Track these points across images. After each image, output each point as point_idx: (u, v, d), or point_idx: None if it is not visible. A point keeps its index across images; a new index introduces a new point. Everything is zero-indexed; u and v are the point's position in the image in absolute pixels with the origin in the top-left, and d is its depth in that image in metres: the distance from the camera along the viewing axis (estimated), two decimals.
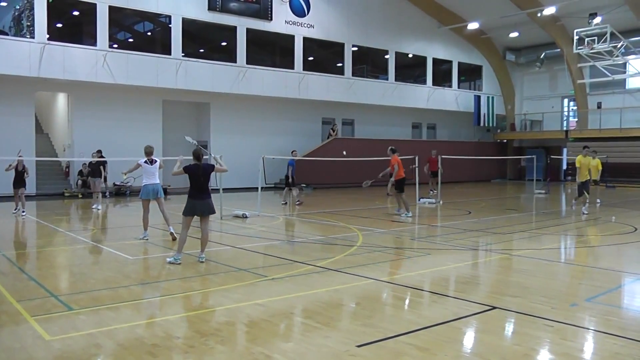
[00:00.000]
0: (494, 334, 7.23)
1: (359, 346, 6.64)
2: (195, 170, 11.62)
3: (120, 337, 7.05)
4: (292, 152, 26.04)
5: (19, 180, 20.52)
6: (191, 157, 11.73)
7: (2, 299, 8.79)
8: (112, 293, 9.32)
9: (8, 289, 9.37)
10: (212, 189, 15.27)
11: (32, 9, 27.25)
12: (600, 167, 23.21)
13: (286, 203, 24.98)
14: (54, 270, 11.66)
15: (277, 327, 7.57)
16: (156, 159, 15.10)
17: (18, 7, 28.99)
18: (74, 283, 10.33)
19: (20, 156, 20.66)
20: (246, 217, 19.48)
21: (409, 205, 20.32)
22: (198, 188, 11.66)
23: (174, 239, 14.03)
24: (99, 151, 23.87)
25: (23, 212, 20.37)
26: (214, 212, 12.11)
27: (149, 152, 14.94)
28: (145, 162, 14.81)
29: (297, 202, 24.63)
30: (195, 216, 11.80)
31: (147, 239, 14.56)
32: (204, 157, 11.88)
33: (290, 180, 24.51)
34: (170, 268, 11.15)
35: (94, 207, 22.74)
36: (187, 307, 8.44)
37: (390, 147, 20.84)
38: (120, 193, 29.54)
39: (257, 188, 22.02)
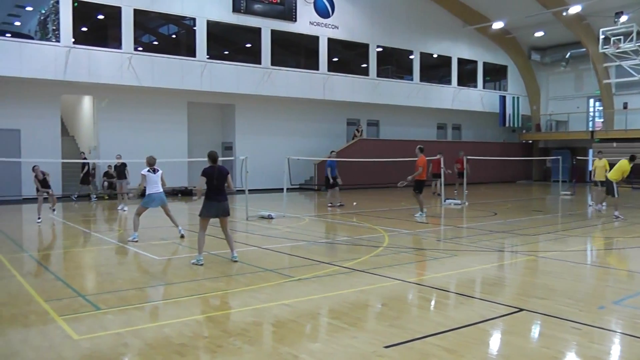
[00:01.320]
0: (522, 337, 7.19)
1: (386, 347, 6.63)
2: (210, 172, 11.63)
3: (147, 336, 7.10)
4: (331, 153, 25.65)
5: (45, 184, 20.40)
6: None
7: (30, 299, 8.87)
8: (139, 293, 9.38)
9: (36, 289, 9.46)
10: (237, 190, 15.34)
11: (57, 13, 27.45)
12: (607, 167, 23.40)
13: (341, 204, 24.17)
14: (81, 270, 11.77)
15: (304, 328, 7.59)
16: (159, 169, 15.27)
17: (44, 12, 29.23)
18: (101, 283, 10.39)
19: (36, 167, 20.62)
20: (272, 218, 19.50)
21: (423, 206, 20.28)
22: (214, 190, 11.66)
23: (183, 236, 14.93)
24: (81, 155, 24.49)
25: (53, 210, 20.50)
26: (229, 214, 12.10)
27: (151, 162, 15.15)
28: (148, 171, 15.03)
29: (330, 205, 24.03)
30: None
31: (136, 241, 14.54)
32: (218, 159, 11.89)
33: (331, 181, 23.95)
34: (196, 268, 11.19)
35: (119, 208, 22.91)
36: (214, 307, 8.46)
37: (418, 146, 20.55)
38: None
39: (283, 189, 22.02)
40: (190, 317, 7.89)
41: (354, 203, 22.02)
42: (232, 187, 12.13)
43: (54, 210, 20.96)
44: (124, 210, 22.38)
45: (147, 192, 14.93)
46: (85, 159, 24.42)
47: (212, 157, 11.75)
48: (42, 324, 7.62)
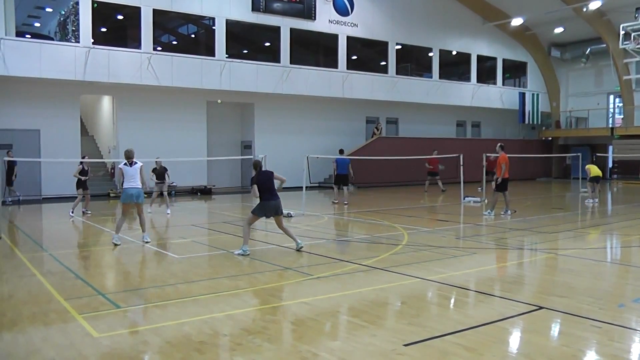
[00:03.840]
0: (541, 335, 7.16)
1: (405, 345, 6.62)
2: (259, 178, 12.76)
3: (167, 334, 7.13)
4: (340, 151, 26.54)
5: (84, 181, 21.03)
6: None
7: (50, 298, 8.93)
8: (158, 291, 9.41)
9: (56, 288, 9.52)
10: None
11: (77, 14, 27.65)
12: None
13: (337, 202, 24.99)
14: (101, 269, 11.83)
15: (323, 326, 7.60)
16: (137, 161, 14.29)
17: (63, 13, 29.44)
18: (121, 281, 10.48)
19: (84, 157, 21.34)
20: (291, 216, 19.47)
21: (509, 204, 20.35)
22: (266, 192, 12.70)
23: (147, 242, 14.11)
24: (8, 155, 23.91)
25: (88, 211, 20.93)
26: (281, 213, 13.14)
27: (128, 155, 14.32)
28: (125, 164, 14.24)
29: (336, 201, 24.92)
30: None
31: (119, 244, 13.94)
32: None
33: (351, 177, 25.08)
34: (215, 266, 11.25)
35: (167, 212, 22.32)
36: (233, 305, 8.46)
37: (499, 144, 20.62)
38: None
39: (302, 187, 22.01)
40: (210, 315, 7.92)
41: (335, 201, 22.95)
42: (282, 178, 13.28)
43: (88, 212, 21.13)
44: (168, 214, 21.99)
45: (124, 186, 14.18)
46: (11, 157, 24.10)
47: (255, 165, 12.97)
48: (62, 322, 7.68)
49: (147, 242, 14.17)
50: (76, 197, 21.32)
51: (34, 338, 7.03)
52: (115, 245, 13.85)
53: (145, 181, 14.37)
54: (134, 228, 18.19)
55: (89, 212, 21.04)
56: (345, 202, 24.41)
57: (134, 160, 14.25)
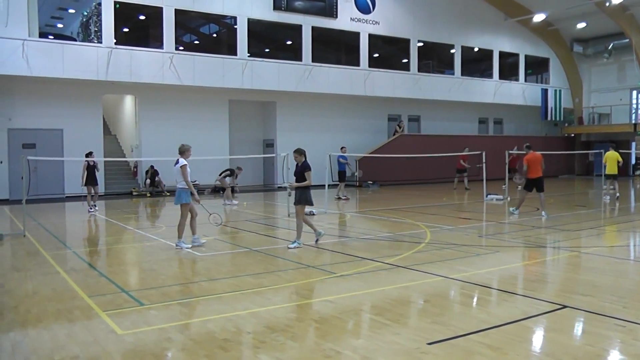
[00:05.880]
0: (565, 334, 7.12)
1: (429, 344, 6.60)
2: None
3: (191, 331, 7.18)
4: (342, 149, 27.73)
5: (93, 177, 21.45)
6: None
7: (74, 295, 9.00)
8: (182, 289, 9.47)
9: (80, 285, 9.60)
10: (278, 187, 15.47)
11: (99, 14, 27.80)
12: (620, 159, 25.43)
13: (347, 198, 26.18)
14: (124, 266, 11.91)
15: (346, 324, 7.58)
16: (181, 159, 13.32)
17: (86, 14, 29.61)
18: (144, 279, 10.52)
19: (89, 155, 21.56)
20: (313, 214, 19.43)
21: (521, 204, 19.93)
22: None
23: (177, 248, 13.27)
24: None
25: (95, 207, 21.23)
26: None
27: (179, 150, 13.54)
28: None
29: (345, 197, 26.20)
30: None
31: (179, 248, 13.33)
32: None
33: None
34: (238, 265, 11.30)
35: (228, 203, 24.28)
36: (257, 302, 8.47)
37: (526, 144, 20.58)
38: None
39: (324, 185, 22.00)
40: (233, 313, 7.94)
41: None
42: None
43: (96, 207, 21.50)
44: (230, 204, 23.91)
45: None
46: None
47: (305, 153, 14.18)
48: (86, 319, 7.74)
49: (177, 248, 13.26)
50: (86, 196, 21.78)
51: (59, 334, 7.09)
52: (176, 248, 13.32)
53: (187, 181, 13.17)
54: (157, 226, 18.31)
55: (97, 208, 21.39)
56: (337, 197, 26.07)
57: (179, 158, 13.36)
